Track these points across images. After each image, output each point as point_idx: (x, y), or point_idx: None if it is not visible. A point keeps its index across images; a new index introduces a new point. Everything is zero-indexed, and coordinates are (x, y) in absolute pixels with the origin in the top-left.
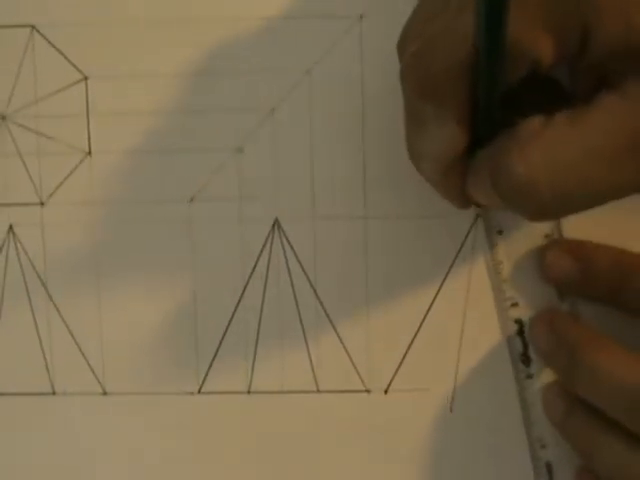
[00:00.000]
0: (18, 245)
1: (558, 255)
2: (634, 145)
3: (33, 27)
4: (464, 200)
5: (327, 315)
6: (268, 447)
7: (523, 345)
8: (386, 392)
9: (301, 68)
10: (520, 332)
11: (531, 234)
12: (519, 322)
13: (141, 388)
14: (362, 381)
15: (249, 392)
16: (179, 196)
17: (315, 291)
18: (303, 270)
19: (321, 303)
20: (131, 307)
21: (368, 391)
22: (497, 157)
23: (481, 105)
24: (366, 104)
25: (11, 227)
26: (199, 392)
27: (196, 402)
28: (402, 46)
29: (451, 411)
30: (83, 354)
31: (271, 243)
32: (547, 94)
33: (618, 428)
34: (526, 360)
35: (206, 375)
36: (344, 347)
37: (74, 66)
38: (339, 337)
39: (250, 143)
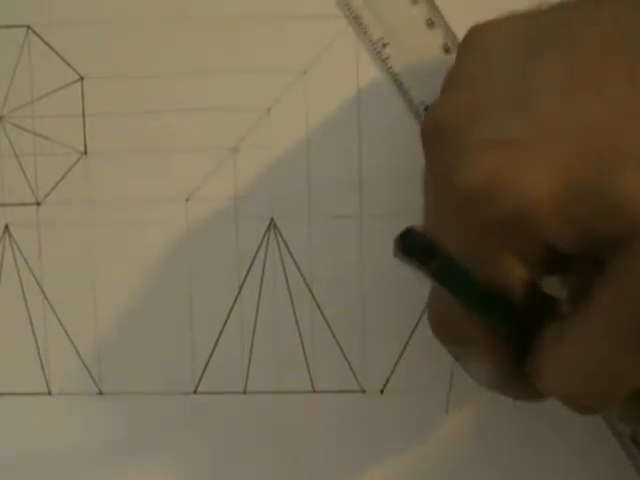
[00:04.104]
0: (14, 245)
1: None
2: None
3: (29, 27)
4: (535, 394)
5: (323, 315)
6: (264, 447)
7: None
8: (382, 392)
9: (297, 68)
10: None
11: None
12: None
13: (137, 388)
14: (358, 381)
15: (245, 392)
16: (175, 196)
17: (311, 290)
18: (299, 269)
19: (317, 303)
20: (127, 307)
21: (364, 391)
22: (530, 365)
23: (501, 331)
24: (362, 104)
25: (7, 227)
26: (195, 392)
27: (192, 402)
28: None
29: (447, 412)
30: (79, 354)
31: (267, 243)
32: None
33: None
34: None
35: (202, 375)
36: (340, 347)
37: (70, 66)
38: (335, 337)
39: (246, 143)
